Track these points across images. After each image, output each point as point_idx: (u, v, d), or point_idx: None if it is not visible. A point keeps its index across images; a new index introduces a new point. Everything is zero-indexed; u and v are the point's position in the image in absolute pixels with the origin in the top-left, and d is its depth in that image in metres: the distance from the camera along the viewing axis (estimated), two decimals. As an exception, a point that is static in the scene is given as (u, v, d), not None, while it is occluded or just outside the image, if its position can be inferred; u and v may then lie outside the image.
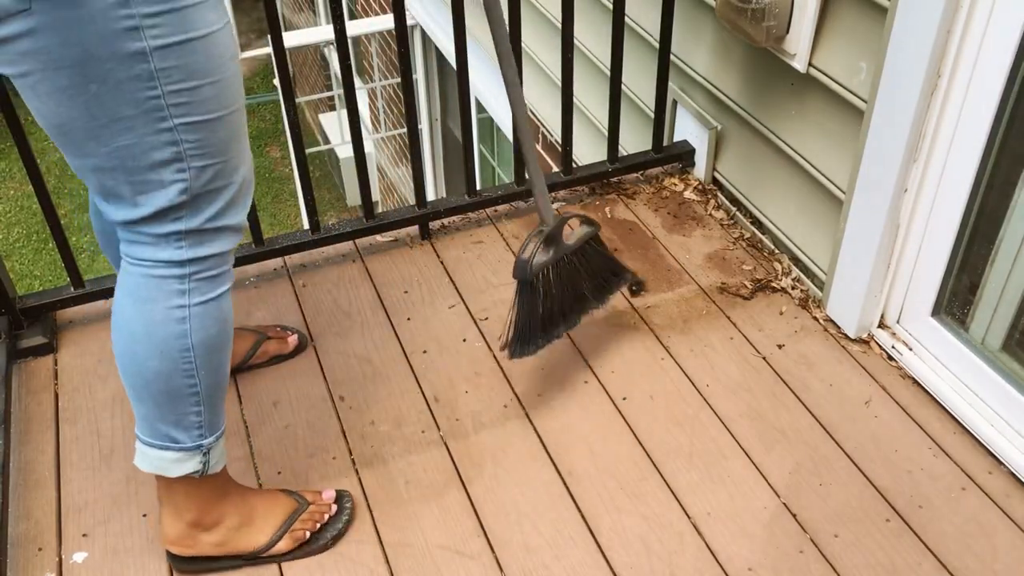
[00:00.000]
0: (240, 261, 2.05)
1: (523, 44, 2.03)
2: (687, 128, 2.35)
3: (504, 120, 3.52)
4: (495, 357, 1.87)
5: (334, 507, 1.54)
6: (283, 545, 1.48)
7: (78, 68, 1.05)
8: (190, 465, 1.35)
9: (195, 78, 1.11)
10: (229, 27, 1.14)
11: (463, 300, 2.02)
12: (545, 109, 3.05)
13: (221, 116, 1.16)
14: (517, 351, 1.69)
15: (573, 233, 1.75)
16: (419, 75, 4.73)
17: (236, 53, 1.18)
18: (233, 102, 1.18)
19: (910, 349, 1.82)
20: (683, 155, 2.36)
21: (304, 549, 1.50)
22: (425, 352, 1.89)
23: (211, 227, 1.23)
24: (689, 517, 1.57)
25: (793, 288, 2.03)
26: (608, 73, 2.19)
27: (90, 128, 1.11)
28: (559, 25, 2.04)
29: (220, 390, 1.36)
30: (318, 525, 1.51)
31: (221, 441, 1.39)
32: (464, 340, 1.92)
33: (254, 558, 1.48)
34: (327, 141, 7.66)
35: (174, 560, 1.47)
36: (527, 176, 1.72)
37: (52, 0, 1.00)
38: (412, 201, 2.16)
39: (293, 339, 1.85)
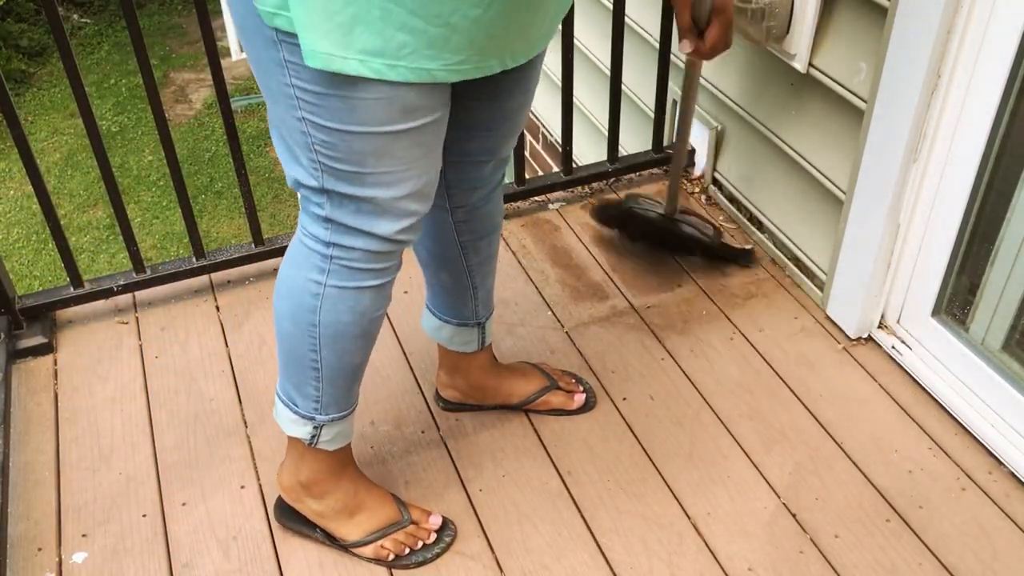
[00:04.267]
0: (240, 261, 2.05)
1: (523, 44, 2.03)
2: (687, 128, 2.34)
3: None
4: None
5: (433, 536, 1.51)
6: (367, 551, 1.49)
7: (240, 30, 1.12)
8: (300, 431, 1.41)
9: (320, 85, 1.08)
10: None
11: (463, 300, 2.02)
12: (545, 109, 3.05)
13: (355, 132, 1.12)
14: (598, 216, 2.18)
15: (690, 223, 2.08)
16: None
17: (397, 85, 1.10)
18: (377, 123, 1.12)
19: (910, 349, 1.82)
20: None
21: (383, 562, 1.50)
22: (425, 352, 1.89)
23: (352, 225, 1.22)
24: (689, 517, 1.57)
25: (793, 288, 2.03)
26: (608, 73, 2.19)
27: (260, 87, 1.18)
28: (559, 25, 2.03)
29: (344, 376, 1.38)
30: (407, 550, 1.49)
31: (340, 425, 1.42)
32: (464, 340, 1.91)
33: (340, 546, 1.50)
34: (327, 141, 7.66)
35: (278, 505, 1.54)
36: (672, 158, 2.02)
37: None
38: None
39: (580, 397, 1.74)
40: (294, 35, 1.05)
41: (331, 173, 1.17)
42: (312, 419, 1.40)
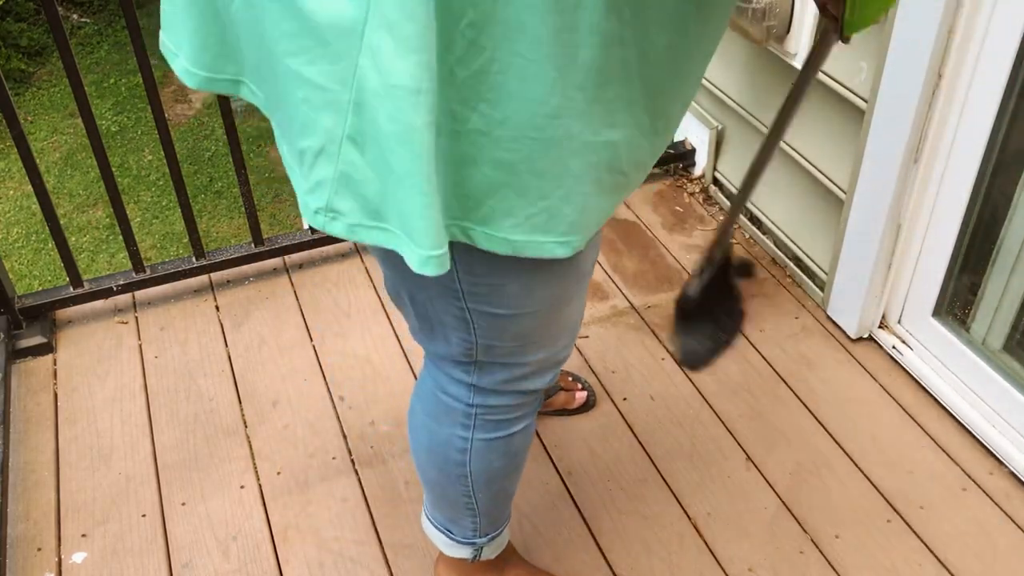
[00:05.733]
0: (240, 261, 2.05)
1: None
2: (688, 128, 2.35)
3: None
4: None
5: None
6: None
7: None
8: (461, 552, 1.33)
9: (500, 276, 0.95)
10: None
11: (463, 300, 2.02)
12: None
13: (532, 312, 1.01)
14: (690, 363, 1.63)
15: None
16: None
17: (584, 251, 0.94)
18: (554, 300, 1.01)
19: (911, 349, 1.81)
20: (684, 155, 2.35)
21: None
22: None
23: (502, 389, 1.12)
24: (689, 517, 1.57)
25: (794, 288, 2.03)
26: (608, 73, 2.18)
27: (388, 269, 1.06)
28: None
29: (500, 506, 1.31)
30: None
31: (500, 536, 1.35)
32: (464, 340, 1.91)
33: None
34: (327, 141, 7.64)
35: None
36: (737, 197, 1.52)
37: None
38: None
39: (581, 395, 1.74)
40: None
41: (488, 351, 1.05)
42: (472, 544, 1.32)
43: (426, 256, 0.80)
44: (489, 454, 1.19)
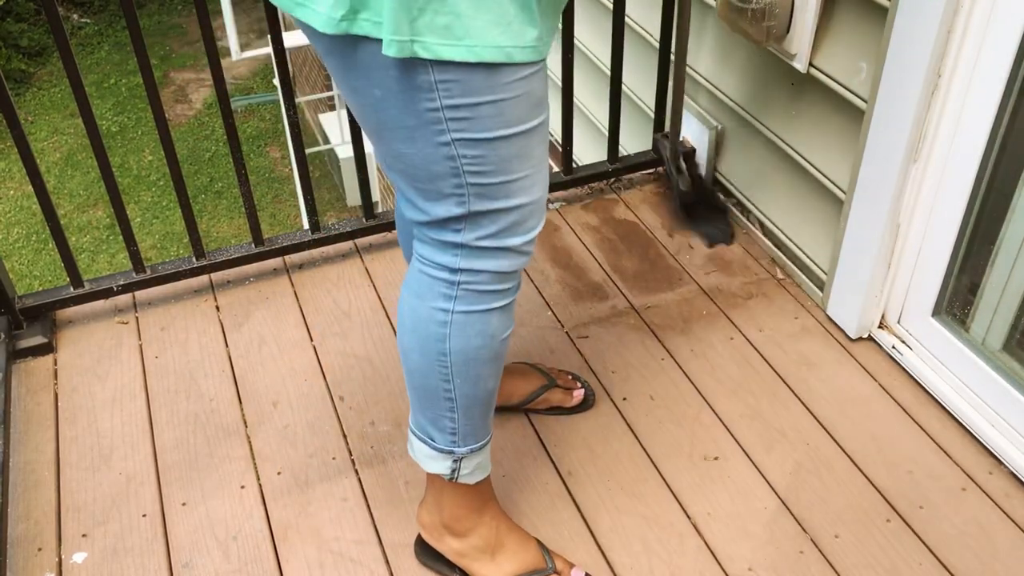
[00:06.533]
0: (240, 261, 2.06)
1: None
2: (688, 128, 2.35)
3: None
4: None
5: None
6: None
7: (363, 71, 1.10)
8: (440, 466, 1.38)
9: (473, 95, 1.09)
10: (525, 51, 1.11)
11: (463, 300, 2.02)
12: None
13: (503, 136, 1.13)
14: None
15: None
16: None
17: (531, 75, 1.12)
18: (519, 122, 1.14)
19: (910, 349, 1.82)
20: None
21: None
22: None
23: (488, 245, 1.22)
24: (689, 517, 1.57)
25: (793, 288, 2.03)
26: (608, 73, 2.19)
27: (378, 130, 1.16)
28: (559, 25, 2.03)
29: (479, 403, 1.35)
30: None
31: (479, 456, 1.38)
32: (464, 340, 1.91)
33: None
34: (327, 141, 7.65)
35: (418, 544, 1.50)
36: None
37: None
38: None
39: (579, 394, 1.75)
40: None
41: (478, 193, 1.17)
42: (451, 453, 1.36)
43: (388, 39, 1.02)
44: (468, 329, 1.27)
